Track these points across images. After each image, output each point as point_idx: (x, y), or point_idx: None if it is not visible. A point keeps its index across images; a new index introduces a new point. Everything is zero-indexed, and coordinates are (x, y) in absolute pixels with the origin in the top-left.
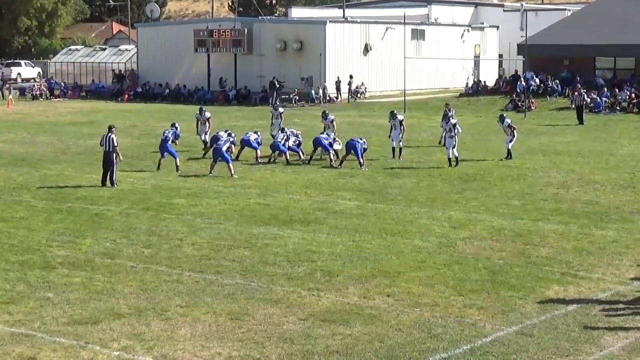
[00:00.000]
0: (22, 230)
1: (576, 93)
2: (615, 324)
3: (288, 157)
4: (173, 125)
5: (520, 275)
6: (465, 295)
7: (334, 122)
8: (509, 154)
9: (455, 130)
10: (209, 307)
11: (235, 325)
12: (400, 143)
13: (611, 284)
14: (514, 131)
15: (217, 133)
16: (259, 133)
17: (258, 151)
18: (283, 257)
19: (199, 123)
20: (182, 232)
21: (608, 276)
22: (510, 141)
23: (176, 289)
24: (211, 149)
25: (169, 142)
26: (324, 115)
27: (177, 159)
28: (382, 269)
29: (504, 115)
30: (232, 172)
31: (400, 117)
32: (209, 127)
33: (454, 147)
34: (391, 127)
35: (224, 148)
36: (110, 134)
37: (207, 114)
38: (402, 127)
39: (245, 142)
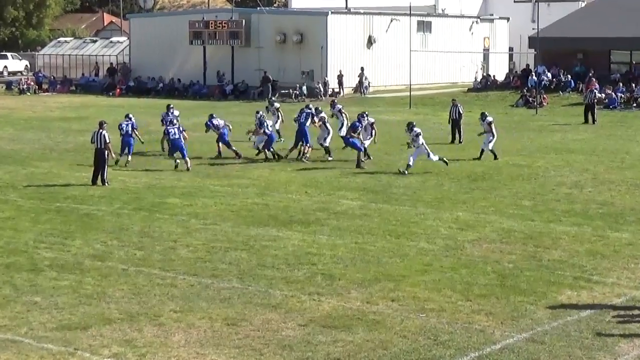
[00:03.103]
0: (8, 231)
1: (589, 89)
2: (631, 331)
3: (267, 155)
4: (127, 116)
5: (531, 280)
6: (473, 300)
7: (343, 111)
8: (493, 155)
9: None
10: (204, 312)
11: (232, 332)
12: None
13: (626, 289)
14: (494, 130)
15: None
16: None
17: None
18: (282, 260)
19: (166, 122)
20: (176, 233)
21: (623, 280)
22: (490, 141)
23: (170, 293)
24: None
25: (132, 136)
26: (332, 105)
27: (129, 155)
28: (386, 272)
29: (486, 113)
30: (189, 166)
31: (371, 119)
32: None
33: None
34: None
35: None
36: (101, 130)
37: (176, 112)
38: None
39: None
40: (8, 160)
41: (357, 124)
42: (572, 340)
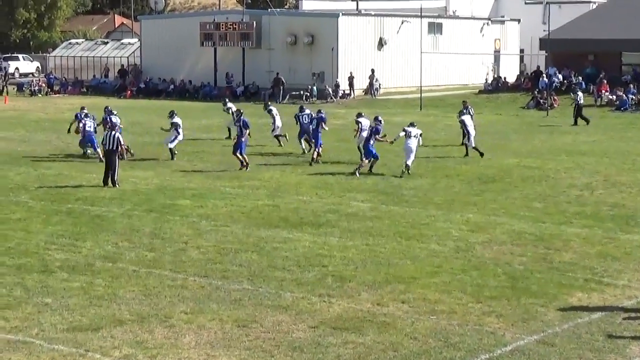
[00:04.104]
0: (20, 232)
1: (579, 93)
2: None
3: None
4: (82, 108)
5: (541, 282)
6: (483, 302)
7: (273, 112)
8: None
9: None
10: (214, 313)
11: (243, 333)
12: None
13: (637, 291)
14: (467, 127)
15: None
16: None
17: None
18: (293, 262)
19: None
20: (186, 235)
21: (634, 283)
22: (468, 138)
23: (180, 294)
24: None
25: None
26: (265, 106)
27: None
28: (396, 274)
29: (464, 111)
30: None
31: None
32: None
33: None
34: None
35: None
36: (113, 132)
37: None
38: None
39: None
40: (19, 162)
41: (380, 127)
42: (583, 342)
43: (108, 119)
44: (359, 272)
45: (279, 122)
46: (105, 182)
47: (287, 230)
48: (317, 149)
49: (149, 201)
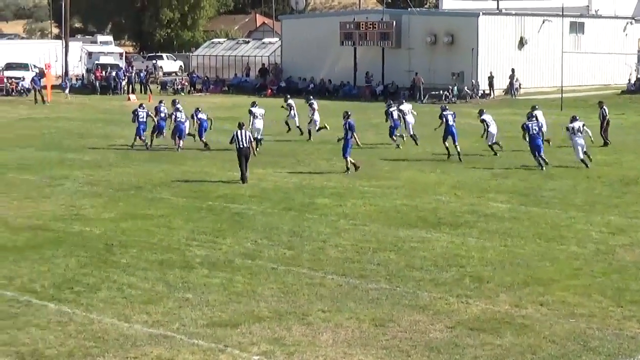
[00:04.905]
0: (162, 228)
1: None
2: None
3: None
4: (161, 102)
5: None
6: (624, 307)
7: (314, 106)
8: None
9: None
10: (352, 312)
11: (380, 332)
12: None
13: None
14: (488, 127)
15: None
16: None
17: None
18: (430, 262)
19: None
20: (325, 233)
21: None
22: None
23: (318, 292)
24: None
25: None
26: (307, 100)
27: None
28: (535, 276)
29: (483, 110)
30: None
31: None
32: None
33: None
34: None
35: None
36: (242, 130)
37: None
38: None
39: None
40: (162, 159)
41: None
42: None
43: (175, 114)
44: (497, 273)
45: (317, 116)
46: (243, 180)
47: (425, 230)
48: (456, 143)
49: (288, 199)
